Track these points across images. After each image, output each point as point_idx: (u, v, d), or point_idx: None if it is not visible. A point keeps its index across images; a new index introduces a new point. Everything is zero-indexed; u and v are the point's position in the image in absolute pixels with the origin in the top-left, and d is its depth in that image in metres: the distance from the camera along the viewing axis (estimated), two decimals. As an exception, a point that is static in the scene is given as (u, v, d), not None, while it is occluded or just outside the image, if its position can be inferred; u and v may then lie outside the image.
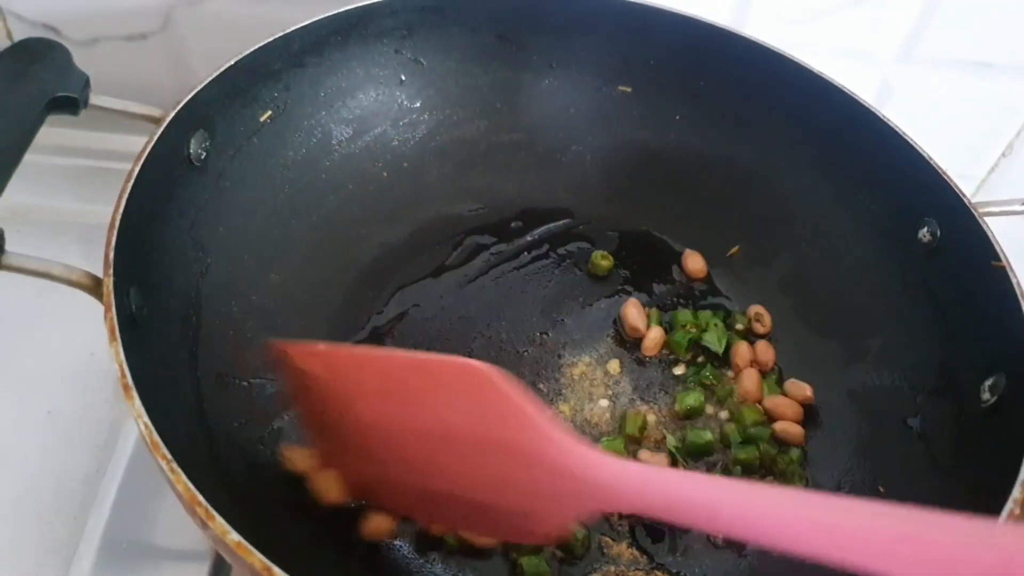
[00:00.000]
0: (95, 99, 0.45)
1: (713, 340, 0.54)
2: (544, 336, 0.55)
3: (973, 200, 0.46)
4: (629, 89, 0.61)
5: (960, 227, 0.46)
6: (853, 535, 0.27)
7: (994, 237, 0.45)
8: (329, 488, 0.42)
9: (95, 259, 0.38)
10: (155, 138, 0.43)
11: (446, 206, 0.60)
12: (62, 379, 0.54)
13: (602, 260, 0.58)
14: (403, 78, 0.59)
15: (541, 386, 0.52)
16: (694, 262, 0.59)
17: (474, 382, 0.33)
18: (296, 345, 0.39)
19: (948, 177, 0.48)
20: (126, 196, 0.40)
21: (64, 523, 0.48)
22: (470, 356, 0.52)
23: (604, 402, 0.52)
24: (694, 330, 0.55)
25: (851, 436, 0.49)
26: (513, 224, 0.61)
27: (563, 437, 0.33)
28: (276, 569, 0.28)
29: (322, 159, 0.56)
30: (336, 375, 0.38)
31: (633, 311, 0.55)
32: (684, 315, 0.55)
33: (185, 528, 0.47)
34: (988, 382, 0.42)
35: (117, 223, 0.39)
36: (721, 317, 0.55)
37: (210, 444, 0.41)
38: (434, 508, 0.39)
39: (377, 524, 0.43)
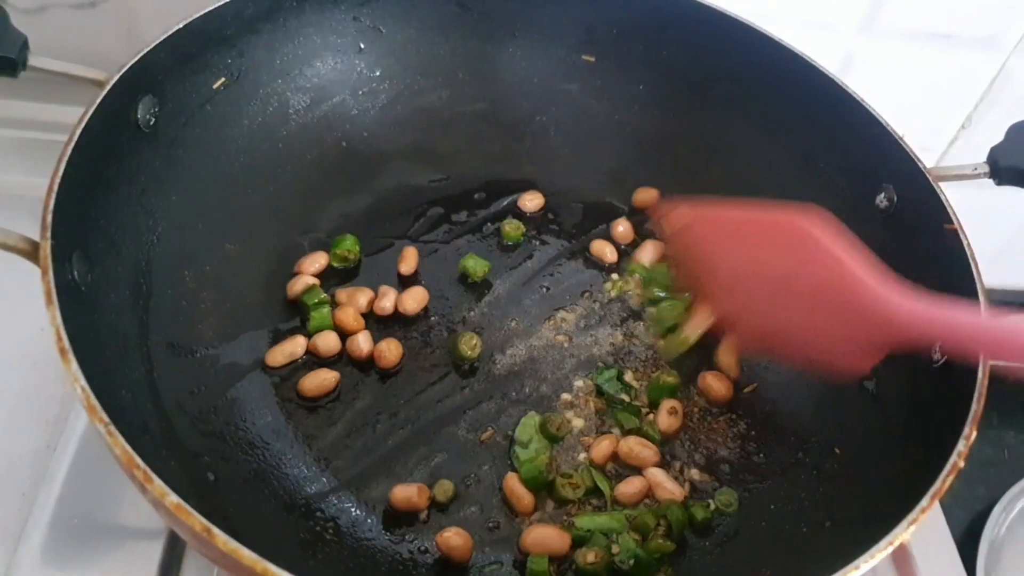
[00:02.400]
0: (35, 60, 0.43)
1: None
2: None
3: (928, 167, 0.47)
4: (593, 59, 0.60)
5: (916, 192, 0.47)
6: None
7: (948, 201, 0.45)
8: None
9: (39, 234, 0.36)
10: (98, 101, 0.41)
11: (407, 176, 0.59)
12: (9, 355, 0.53)
13: (513, 230, 0.57)
14: (362, 46, 0.58)
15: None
16: (647, 195, 0.60)
17: (797, 234, 0.41)
18: (674, 206, 0.47)
19: (905, 144, 0.48)
20: (66, 159, 0.38)
21: (12, 500, 0.47)
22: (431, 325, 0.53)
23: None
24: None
25: (809, 400, 0.49)
26: (476, 195, 0.60)
27: (872, 280, 0.39)
28: (216, 530, 0.28)
29: (279, 128, 0.55)
30: (703, 230, 0.46)
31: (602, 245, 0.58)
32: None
33: (139, 504, 0.46)
34: (939, 344, 0.42)
35: (56, 186, 0.37)
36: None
37: (160, 412, 0.41)
38: (773, 336, 0.45)
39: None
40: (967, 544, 0.56)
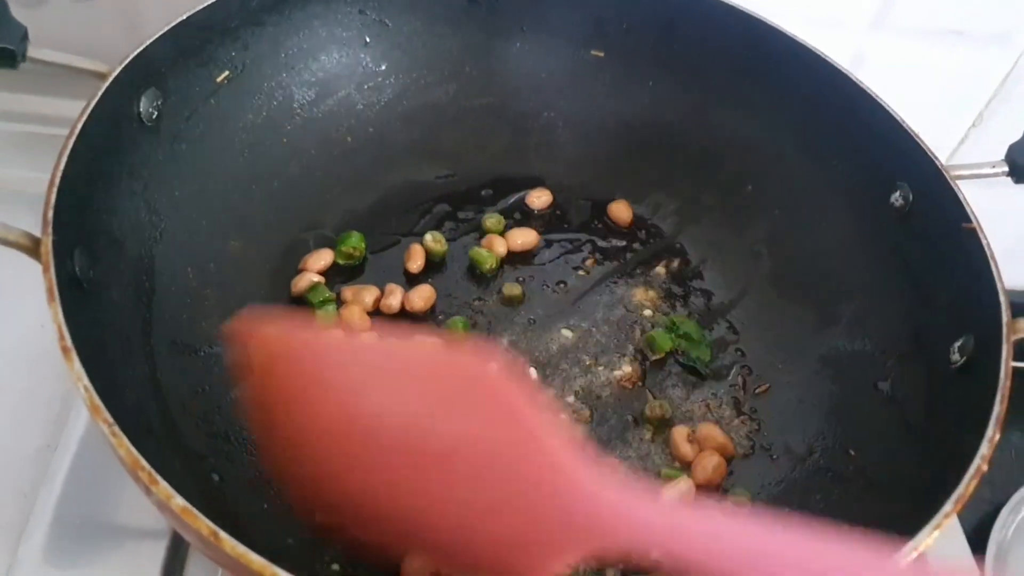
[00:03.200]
0: (35, 52, 0.42)
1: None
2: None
3: (944, 164, 0.46)
4: (602, 54, 0.59)
5: (932, 190, 0.46)
6: None
7: (965, 199, 0.44)
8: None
9: (40, 230, 0.36)
10: (100, 93, 0.41)
11: (413, 172, 0.58)
12: (9, 353, 0.52)
13: (493, 224, 0.56)
14: (368, 39, 0.57)
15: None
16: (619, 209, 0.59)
17: (486, 384, 0.28)
18: (255, 321, 0.32)
19: (921, 141, 0.48)
20: (67, 153, 0.38)
21: (13, 500, 0.46)
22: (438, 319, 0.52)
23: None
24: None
25: (822, 401, 0.48)
26: (483, 192, 0.59)
27: (587, 464, 0.28)
28: (223, 534, 0.27)
29: (283, 123, 0.54)
30: (303, 357, 0.31)
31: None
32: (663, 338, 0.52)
33: (142, 504, 0.45)
34: (957, 343, 0.41)
35: (57, 180, 0.37)
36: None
37: (163, 412, 0.40)
38: (406, 535, 0.32)
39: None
40: (974, 546, 0.56)
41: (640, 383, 0.51)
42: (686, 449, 0.47)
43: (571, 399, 0.49)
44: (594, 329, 0.53)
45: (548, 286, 0.55)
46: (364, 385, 0.29)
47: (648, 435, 0.48)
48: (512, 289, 0.54)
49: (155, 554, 0.44)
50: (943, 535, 0.32)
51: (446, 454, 0.28)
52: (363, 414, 0.29)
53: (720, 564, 0.26)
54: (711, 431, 0.48)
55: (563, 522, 0.28)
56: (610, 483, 0.27)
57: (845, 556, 0.26)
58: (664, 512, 0.28)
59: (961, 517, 0.54)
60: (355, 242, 0.53)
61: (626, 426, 0.49)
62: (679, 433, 0.48)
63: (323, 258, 0.53)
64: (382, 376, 0.29)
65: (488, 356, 0.28)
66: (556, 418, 0.29)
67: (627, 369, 0.51)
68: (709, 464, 0.46)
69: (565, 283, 0.56)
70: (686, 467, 0.47)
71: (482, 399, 0.28)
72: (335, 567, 0.39)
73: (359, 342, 0.32)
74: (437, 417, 0.28)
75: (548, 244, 0.58)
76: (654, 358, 0.52)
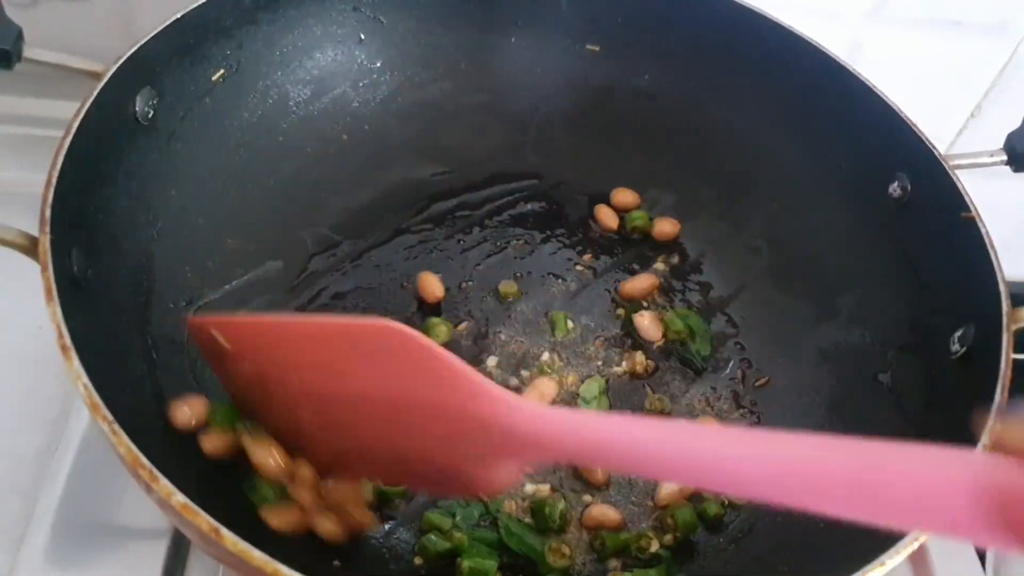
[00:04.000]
0: (30, 52, 0.42)
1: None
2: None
3: (943, 154, 0.46)
4: (597, 48, 0.59)
5: (930, 180, 0.46)
6: (805, 474, 0.25)
7: (964, 189, 0.44)
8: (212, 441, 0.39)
9: (38, 230, 0.36)
10: (95, 93, 0.40)
11: (409, 170, 0.58)
12: (8, 354, 0.52)
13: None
14: (362, 37, 0.57)
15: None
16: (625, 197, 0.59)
17: (395, 342, 0.33)
18: (213, 319, 0.38)
19: (919, 131, 0.47)
20: (63, 152, 0.37)
21: (14, 501, 0.46)
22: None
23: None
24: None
25: (822, 393, 0.48)
26: (479, 188, 0.59)
27: (488, 389, 0.32)
28: (224, 531, 0.27)
29: (279, 121, 0.54)
30: (258, 348, 0.37)
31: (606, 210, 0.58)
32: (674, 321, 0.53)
33: (142, 505, 0.45)
34: (957, 333, 0.41)
35: (54, 180, 0.37)
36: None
37: (162, 411, 0.40)
38: (376, 468, 0.38)
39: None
40: (975, 538, 0.56)
41: (639, 377, 0.51)
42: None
43: (569, 394, 0.49)
44: (592, 324, 0.53)
45: (546, 281, 0.55)
46: (309, 361, 0.35)
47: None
48: (508, 287, 0.54)
49: (156, 554, 0.44)
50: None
51: (384, 403, 0.34)
52: (312, 381, 0.35)
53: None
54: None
55: (489, 443, 0.32)
56: (521, 403, 0.32)
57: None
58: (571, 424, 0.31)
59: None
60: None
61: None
62: None
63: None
64: (322, 351, 0.35)
65: (398, 326, 0.33)
66: (465, 365, 0.32)
67: (626, 364, 0.51)
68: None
69: (563, 278, 0.56)
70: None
71: (403, 358, 0.33)
72: (336, 563, 0.39)
73: (293, 325, 0.37)
74: (368, 376, 0.34)
75: (545, 239, 0.58)
76: (659, 343, 0.52)
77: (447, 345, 0.50)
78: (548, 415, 0.32)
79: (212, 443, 0.38)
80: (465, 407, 0.32)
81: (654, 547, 0.43)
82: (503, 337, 0.52)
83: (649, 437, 0.29)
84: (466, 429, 0.32)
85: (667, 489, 0.45)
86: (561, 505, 0.43)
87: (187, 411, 0.39)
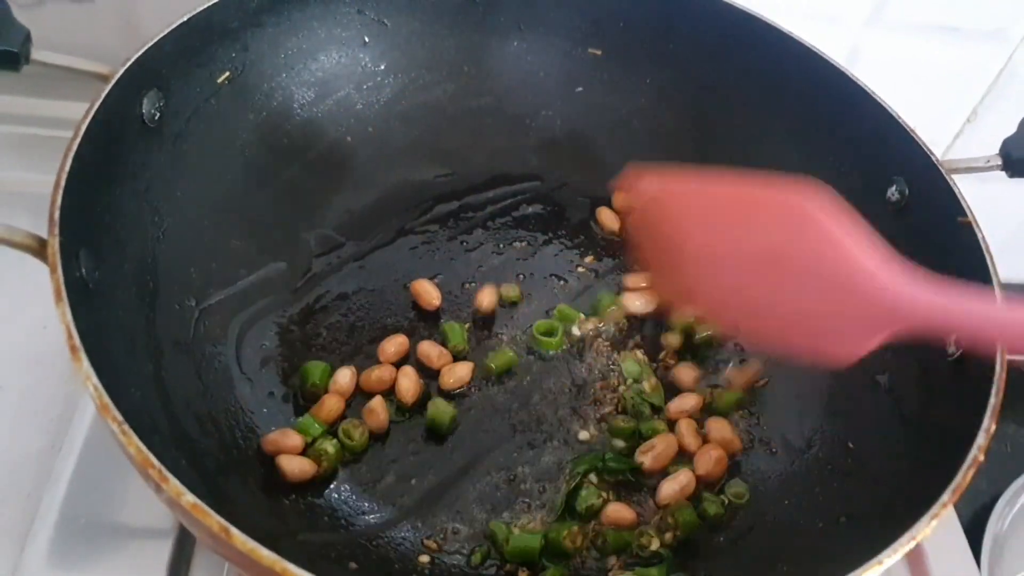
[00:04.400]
0: (38, 55, 0.43)
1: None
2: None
3: (940, 159, 0.46)
4: (599, 52, 0.60)
5: (928, 185, 0.47)
6: None
7: (961, 194, 0.45)
8: (295, 467, 0.43)
9: (45, 231, 0.36)
10: (103, 95, 0.41)
11: (412, 172, 0.59)
12: (12, 353, 0.52)
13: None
14: (366, 39, 0.57)
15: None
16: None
17: (792, 212, 0.37)
18: (641, 176, 0.42)
19: (916, 136, 0.48)
20: (72, 154, 0.38)
21: (18, 501, 0.46)
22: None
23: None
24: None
25: (820, 394, 0.49)
26: (481, 190, 0.59)
27: (875, 264, 0.35)
28: (234, 530, 0.27)
29: (283, 123, 0.55)
30: (674, 203, 0.41)
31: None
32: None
33: (147, 504, 0.45)
34: (954, 336, 0.42)
35: (63, 182, 0.37)
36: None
37: (168, 411, 0.40)
38: (752, 320, 0.41)
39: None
40: (970, 539, 0.56)
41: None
42: (691, 440, 0.47)
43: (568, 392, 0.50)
44: (593, 326, 0.54)
45: (548, 283, 0.56)
46: (713, 218, 0.40)
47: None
48: (510, 291, 0.54)
49: (160, 554, 0.44)
50: (941, 525, 0.33)
51: (772, 261, 0.38)
52: (714, 239, 0.39)
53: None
54: (720, 425, 0.48)
55: (863, 310, 0.35)
56: (901, 277, 0.35)
57: None
58: (953, 298, 0.34)
59: (957, 509, 0.54)
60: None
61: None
62: (687, 425, 0.48)
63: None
64: (725, 211, 0.40)
65: (800, 192, 0.37)
66: (856, 231, 0.36)
67: (627, 366, 0.52)
68: (711, 457, 0.46)
69: (565, 280, 0.56)
70: (689, 458, 0.47)
71: (797, 223, 0.37)
72: (352, 565, 0.40)
73: (709, 190, 0.41)
74: (765, 237, 0.38)
75: (548, 241, 0.58)
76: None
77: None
78: (930, 299, 0.34)
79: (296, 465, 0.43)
80: (851, 275, 0.35)
81: (654, 545, 0.43)
82: (505, 339, 0.52)
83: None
84: (846, 294, 0.35)
85: (668, 489, 0.45)
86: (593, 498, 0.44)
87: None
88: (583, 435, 0.48)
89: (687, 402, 0.49)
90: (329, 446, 0.44)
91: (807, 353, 0.40)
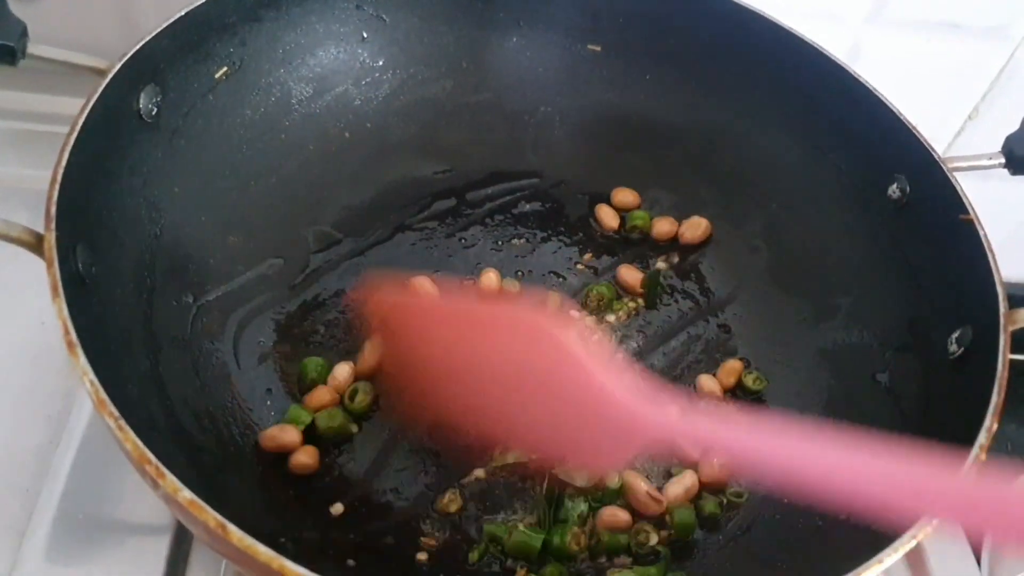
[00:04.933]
0: (34, 48, 0.42)
1: None
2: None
3: (941, 156, 0.46)
4: (599, 48, 0.60)
5: (929, 182, 0.46)
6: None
7: (962, 191, 0.45)
8: (304, 460, 0.43)
9: (42, 226, 0.36)
10: (100, 89, 0.41)
11: (411, 168, 0.58)
12: (10, 349, 0.52)
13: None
14: (365, 35, 0.57)
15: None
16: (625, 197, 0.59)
17: (532, 330, 0.37)
18: (376, 291, 0.44)
19: (918, 133, 0.48)
20: (69, 149, 0.38)
21: (16, 496, 0.46)
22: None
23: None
24: None
25: (820, 393, 0.49)
26: (480, 187, 0.59)
27: (614, 384, 0.35)
28: (231, 527, 0.27)
29: (282, 119, 0.54)
30: (411, 320, 0.42)
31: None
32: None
33: (145, 500, 0.45)
34: (955, 334, 0.42)
35: (59, 177, 0.37)
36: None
37: (166, 408, 0.40)
38: (499, 433, 0.42)
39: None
40: (970, 538, 0.56)
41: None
42: (691, 451, 0.47)
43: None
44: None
45: (547, 280, 0.55)
46: (453, 332, 0.40)
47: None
48: (510, 287, 0.54)
49: (158, 549, 0.44)
50: (941, 524, 0.33)
51: (516, 381, 0.38)
52: (455, 354, 0.39)
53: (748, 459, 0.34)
54: None
55: (611, 428, 0.35)
56: (646, 398, 0.35)
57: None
58: (693, 420, 0.34)
59: (958, 507, 0.54)
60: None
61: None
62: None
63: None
64: (465, 327, 0.40)
65: (542, 310, 0.39)
66: (599, 350, 0.36)
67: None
68: (715, 463, 0.46)
69: (564, 277, 0.56)
70: (692, 466, 0.47)
71: (540, 340, 0.36)
72: (350, 562, 0.40)
73: (448, 305, 0.42)
74: (507, 355, 0.38)
75: (546, 238, 0.58)
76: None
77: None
78: (674, 423, 0.34)
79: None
80: (595, 397, 0.35)
81: (653, 540, 0.43)
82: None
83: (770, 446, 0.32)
84: (590, 413, 0.36)
85: (673, 492, 0.45)
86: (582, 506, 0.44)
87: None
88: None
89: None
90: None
91: (573, 462, 0.41)
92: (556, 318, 0.37)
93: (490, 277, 0.53)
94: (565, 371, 0.36)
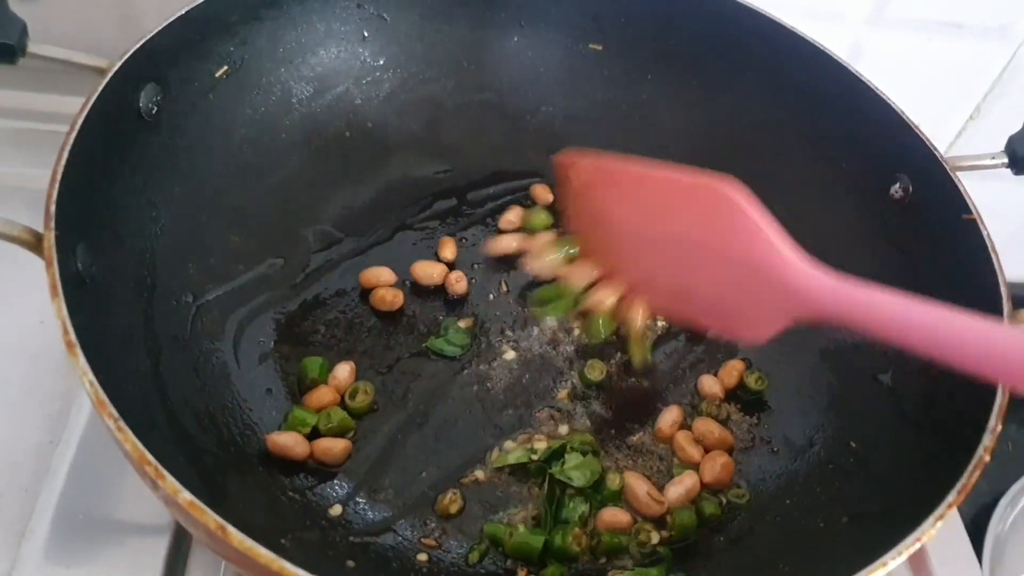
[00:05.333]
0: (35, 47, 0.42)
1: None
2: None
3: (944, 156, 0.46)
4: (600, 47, 0.59)
5: (932, 182, 0.46)
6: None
7: (965, 190, 0.45)
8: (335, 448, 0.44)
9: (42, 225, 0.35)
10: (100, 88, 0.40)
11: (411, 167, 0.58)
12: (10, 348, 0.52)
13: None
14: (366, 34, 0.57)
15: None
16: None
17: (716, 200, 0.39)
18: (579, 158, 0.45)
19: (921, 132, 0.48)
20: (68, 148, 0.37)
21: (15, 496, 0.46)
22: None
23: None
24: None
25: (822, 393, 0.49)
26: (481, 186, 0.59)
27: (787, 253, 0.37)
28: (231, 528, 0.27)
29: (282, 118, 0.54)
30: (606, 186, 0.44)
31: None
32: None
33: (144, 500, 0.45)
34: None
35: (59, 176, 0.36)
36: None
37: (166, 408, 0.40)
38: (669, 298, 0.44)
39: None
40: (972, 539, 0.56)
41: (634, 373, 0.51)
42: (693, 451, 0.47)
43: (567, 392, 0.50)
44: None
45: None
46: (640, 200, 0.43)
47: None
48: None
49: (157, 549, 0.44)
50: (944, 526, 0.33)
51: (692, 245, 0.40)
52: (640, 220, 0.42)
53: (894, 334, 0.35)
54: (708, 425, 0.48)
55: (773, 295, 0.38)
56: (810, 267, 0.37)
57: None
58: (851, 294, 0.36)
59: (960, 509, 0.54)
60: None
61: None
62: (684, 437, 0.48)
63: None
64: (652, 195, 0.42)
65: (721, 182, 0.39)
66: (775, 228, 0.38)
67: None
68: (717, 463, 0.46)
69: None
70: (695, 468, 0.47)
71: (718, 209, 0.39)
72: (350, 563, 0.39)
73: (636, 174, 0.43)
74: (687, 221, 0.41)
75: (548, 238, 0.58)
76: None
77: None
78: (836, 289, 0.36)
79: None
80: (766, 264, 0.37)
81: (654, 541, 0.43)
82: (509, 333, 0.52)
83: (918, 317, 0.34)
84: (759, 281, 0.38)
85: (674, 493, 0.45)
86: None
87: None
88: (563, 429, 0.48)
89: (671, 415, 0.48)
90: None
91: (720, 332, 0.44)
92: (738, 192, 0.38)
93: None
94: (743, 237, 0.38)
